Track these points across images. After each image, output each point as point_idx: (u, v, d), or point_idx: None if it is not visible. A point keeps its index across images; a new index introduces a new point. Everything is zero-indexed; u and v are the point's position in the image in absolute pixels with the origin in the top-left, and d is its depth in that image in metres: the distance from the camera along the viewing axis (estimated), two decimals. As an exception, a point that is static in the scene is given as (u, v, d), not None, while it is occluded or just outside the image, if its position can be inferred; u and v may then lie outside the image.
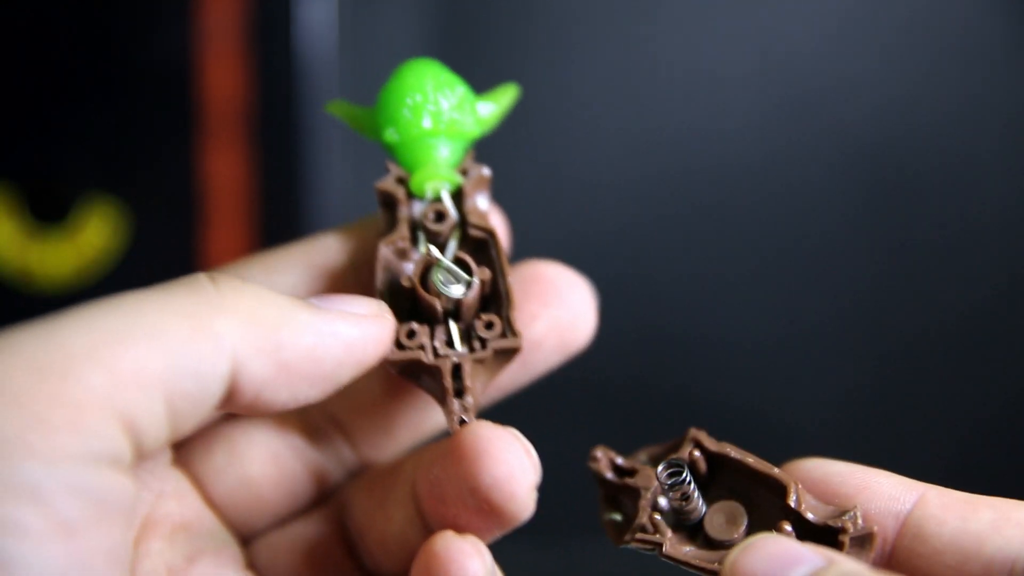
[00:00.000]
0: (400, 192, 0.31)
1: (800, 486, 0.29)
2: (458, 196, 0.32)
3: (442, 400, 0.29)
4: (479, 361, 0.30)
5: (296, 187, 0.62)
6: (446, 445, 0.28)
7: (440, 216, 0.31)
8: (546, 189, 0.66)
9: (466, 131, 0.32)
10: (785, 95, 0.65)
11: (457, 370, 0.29)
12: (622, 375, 0.66)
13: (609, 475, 0.31)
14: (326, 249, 0.32)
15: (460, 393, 0.29)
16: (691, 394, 0.66)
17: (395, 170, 0.32)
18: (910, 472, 0.65)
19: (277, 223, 0.62)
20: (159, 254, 0.61)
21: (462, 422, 0.29)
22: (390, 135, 0.31)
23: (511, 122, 0.65)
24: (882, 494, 0.29)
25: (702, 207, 0.65)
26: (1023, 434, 0.66)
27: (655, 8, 0.65)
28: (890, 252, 0.66)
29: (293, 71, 0.61)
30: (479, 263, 0.31)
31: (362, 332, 0.28)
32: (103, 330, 0.23)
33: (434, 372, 0.29)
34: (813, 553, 0.26)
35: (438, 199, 0.32)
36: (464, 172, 0.32)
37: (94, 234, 0.61)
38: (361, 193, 0.63)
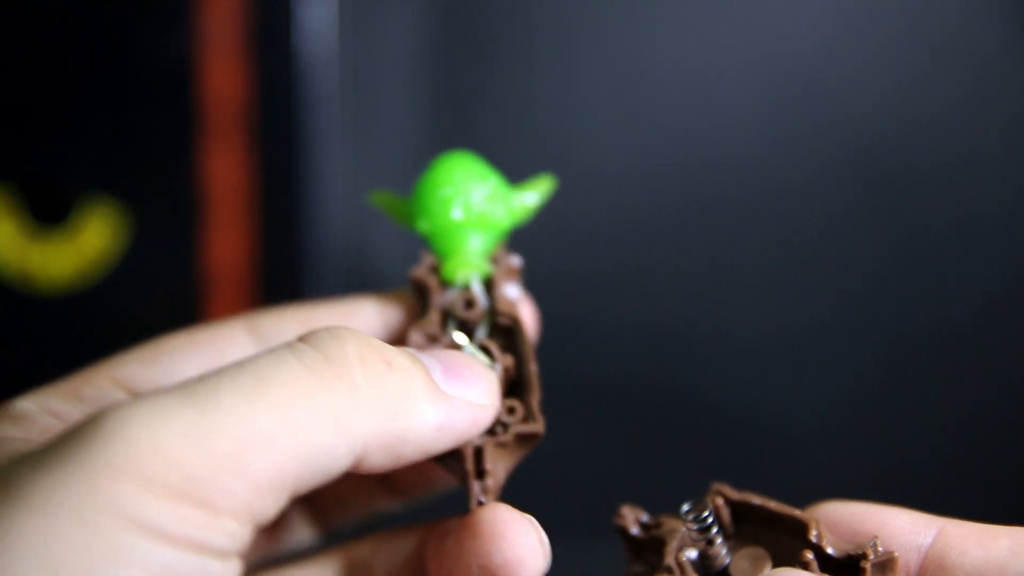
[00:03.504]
0: (432, 280, 0.33)
1: (821, 523, 0.30)
2: (488, 284, 0.34)
3: (463, 481, 0.31)
4: (501, 445, 0.31)
5: (297, 189, 0.62)
6: (462, 521, 0.30)
7: (469, 304, 0.33)
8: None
9: (496, 222, 0.33)
10: (784, 92, 0.65)
11: (479, 453, 0.31)
12: (623, 372, 0.66)
13: (634, 530, 0.32)
14: (363, 316, 0.34)
15: (481, 475, 0.31)
16: (692, 390, 0.66)
17: (428, 259, 0.34)
18: (912, 469, 0.66)
19: (278, 225, 0.62)
20: (160, 256, 0.61)
21: (480, 504, 0.30)
22: (423, 225, 0.33)
23: (512, 121, 0.65)
24: (902, 529, 0.30)
25: (701, 204, 0.65)
26: (1021, 432, 0.66)
27: (654, 6, 0.65)
28: (890, 248, 0.66)
29: (294, 72, 0.61)
30: (506, 350, 0.32)
31: (473, 424, 0.29)
32: (251, 434, 0.24)
33: (456, 454, 0.31)
34: None
35: (468, 287, 0.33)
36: (495, 261, 0.34)
37: (95, 235, 0.61)
38: (362, 195, 0.63)
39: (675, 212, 0.66)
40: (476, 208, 0.33)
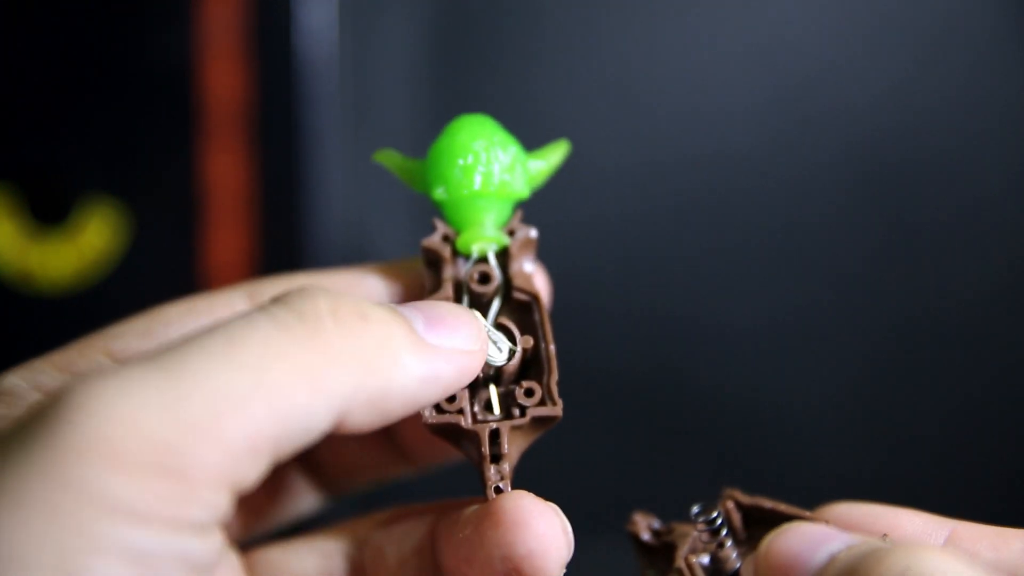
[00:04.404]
0: (446, 251, 0.31)
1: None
2: (504, 257, 0.32)
3: (477, 464, 0.30)
4: (517, 428, 0.30)
5: (297, 189, 0.62)
6: (481, 509, 0.29)
7: (485, 278, 0.31)
8: (548, 183, 0.66)
9: (516, 192, 0.32)
10: (781, 85, 0.65)
11: (495, 436, 0.29)
12: (625, 366, 0.66)
13: (646, 536, 0.32)
14: (368, 285, 0.32)
15: (497, 459, 0.29)
16: (695, 384, 0.66)
17: (441, 227, 0.32)
18: (907, 462, 0.66)
19: (278, 225, 0.62)
20: (160, 255, 0.61)
21: (498, 490, 0.29)
22: (439, 193, 0.31)
23: (512, 120, 0.65)
24: (914, 531, 0.30)
25: (699, 197, 0.66)
26: (1018, 425, 0.66)
27: (653, 6, 0.65)
28: (888, 241, 0.66)
29: (294, 72, 0.61)
30: (522, 326, 0.31)
31: (460, 372, 0.28)
32: (223, 397, 0.23)
33: (472, 437, 0.29)
34: (846, 533, 0.27)
35: (483, 259, 0.32)
36: (511, 233, 0.32)
37: (95, 235, 0.61)
38: (362, 195, 0.63)
39: (675, 206, 0.66)
40: (497, 179, 0.31)
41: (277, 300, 0.26)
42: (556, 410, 0.30)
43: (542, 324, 0.31)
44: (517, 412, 0.30)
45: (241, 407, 0.23)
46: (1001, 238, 0.66)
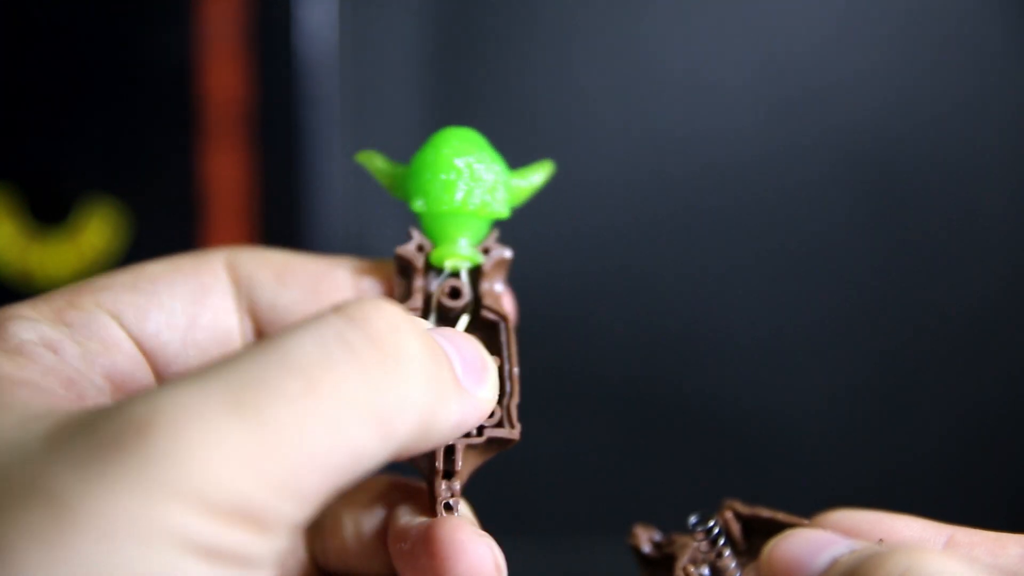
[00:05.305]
0: (419, 261, 0.31)
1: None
2: (476, 274, 0.32)
3: (430, 480, 0.30)
4: (473, 447, 0.30)
5: (296, 188, 0.62)
6: (421, 529, 0.29)
7: (455, 292, 0.31)
8: (546, 188, 0.66)
9: (495, 212, 0.31)
10: (784, 94, 0.65)
11: (450, 452, 0.29)
12: (622, 374, 0.66)
13: (646, 549, 0.32)
14: (338, 277, 0.32)
15: (449, 475, 0.29)
16: (691, 393, 0.66)
17: (417, 237, 0.32)
18: (906, 471, 0.66)
19: (277, 224, 0.62)
20: (160, 255, 0.61)
21: (448, 507, 0.29)
22: (418, 205, 0.31)
23: (512, 121, 0.65)
24: (912, 537, 0.30)
25: (702, 206, 0.66)
26: (1017, 434, 0.66)
27: (653, 10, 0.65)
28: (889, 250, 0.66)
29: (294, 72, 0.61)
30: (487, 345, 0.30)
31: (478, 419, 0.28)
32: (305, 456, 0.24)
33: (427, 451, 0.29)
34: (848, 538, 0.27)
35: (455, 274, 0.32)
36: (486, 251, 0.32)
37: (95, 235, 0.61)
38: (361, 194, 0.63)
39: (675, 214, 0.66)
40: (477, 198, 0.31)
41: (355, 320, 0.25)
42: (514, 433, 0.30)
43: (508, 345, 0.31)
44: (475, 431, 0.30)
45: (320, 465, 0.24)
46: (1005, 249, 0.66)
